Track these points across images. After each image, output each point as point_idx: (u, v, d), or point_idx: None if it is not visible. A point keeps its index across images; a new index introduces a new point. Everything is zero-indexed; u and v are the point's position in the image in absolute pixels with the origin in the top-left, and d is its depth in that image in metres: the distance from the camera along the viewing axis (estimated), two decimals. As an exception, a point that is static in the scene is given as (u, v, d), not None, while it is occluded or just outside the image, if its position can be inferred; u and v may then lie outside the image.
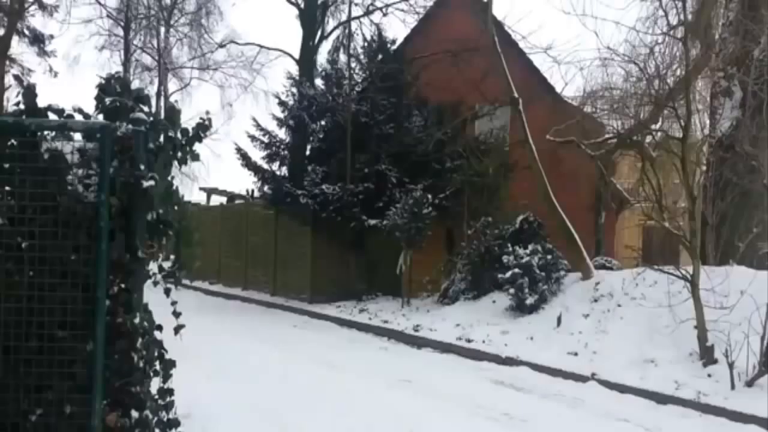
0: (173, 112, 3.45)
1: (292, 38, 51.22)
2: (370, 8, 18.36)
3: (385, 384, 7.87)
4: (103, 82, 3.33)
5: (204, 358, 7.71)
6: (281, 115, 16.52)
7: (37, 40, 24.08)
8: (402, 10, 18.36)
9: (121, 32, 29.05)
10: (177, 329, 3.46)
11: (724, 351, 7.60)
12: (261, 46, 23.29)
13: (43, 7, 23.79)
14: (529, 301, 11.09)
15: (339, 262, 15.46)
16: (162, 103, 27.16)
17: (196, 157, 3.54)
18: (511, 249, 11.87)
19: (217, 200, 24.16)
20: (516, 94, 13.13)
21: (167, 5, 29.10)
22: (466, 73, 14.68)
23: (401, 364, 9.45)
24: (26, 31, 23.98)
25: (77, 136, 3.20)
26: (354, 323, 13.01)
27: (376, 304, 14.62)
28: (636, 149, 13.24)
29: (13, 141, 3.09)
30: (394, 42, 16.95)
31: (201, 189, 25.69)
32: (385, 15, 18.48)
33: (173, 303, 3.43)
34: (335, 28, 18.99)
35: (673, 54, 11.84)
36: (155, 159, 3.26)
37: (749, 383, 7.37)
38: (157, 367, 3.37)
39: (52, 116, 3.18)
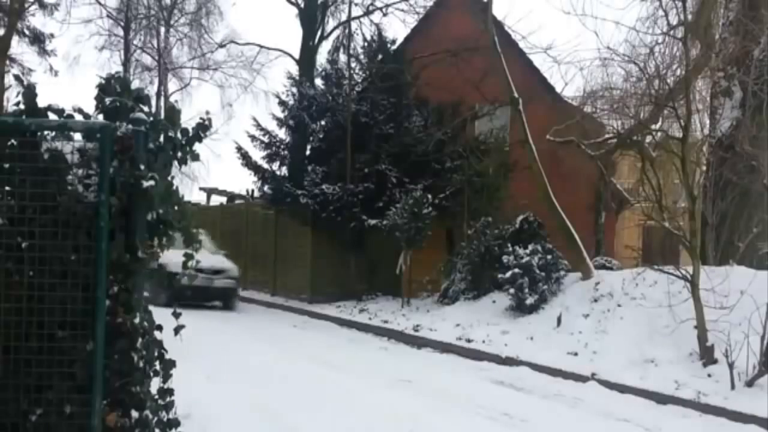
0: (173, 112, 3.45)
1: (292, 38, 51.27)
2: (370, 8, 18.41)
3: (385, 384, 7.87)
4: (103, 82, 3.33)
5: (204, 358, 7.71)
6: (281, 115, 16.54)
7: (38, 39, 24.09)
8: (402, 10, 18.41)
9: (121, 32, 29.01)
10: (177, 329, 3.46)
11: (724, 351, 7.60)
12: (261, 46, 23.31)
13: (43, 6, 23.79)
14: (529, 301, 11.09)
15: (339, 262, 15.46)
16: (162, 103, 27.11)
17: (196, 157, 3.53)
18: (511, 249, 11.87)
19: (217, 200, 24.17)
20: (516, 94, 13.13)
21: (167, 5, 29.05)
22: (466, 73, 14.69)
23: (401, 364, 9.45)
24: (26, 31, 23.99)
25: (77, 136, 3.20)
26: (354, 323, 13.01)
27: (376, 304, 14.62)
28: (636, 149, 13.25)
29: (13, 141, 3.09)
30: (394, 42, 16.97)
31: (201, 189, 25.71)
32: (385, 15, 18.54)
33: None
34: (335, 28, 19.05)
35: (673, 54, 11.86)
36: (155, 159, 3.26)
37: (749, 383, 7.37)
38: (157, 367, 3.37)
39: (52, 116, 3.18)
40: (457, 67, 14.74)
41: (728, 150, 11.56)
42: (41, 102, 3.20)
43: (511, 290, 11.31)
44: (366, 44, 17.28)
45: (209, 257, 13.89)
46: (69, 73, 35.15)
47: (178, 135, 3.42)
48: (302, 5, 18.26)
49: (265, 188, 16.25)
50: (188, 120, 3.56)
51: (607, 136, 14.70)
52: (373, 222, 14.64)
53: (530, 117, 13.18)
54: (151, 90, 27.94)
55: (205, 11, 29.19)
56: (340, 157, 15.35)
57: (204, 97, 56.92)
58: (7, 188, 3.08)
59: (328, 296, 15.21)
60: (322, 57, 18.43)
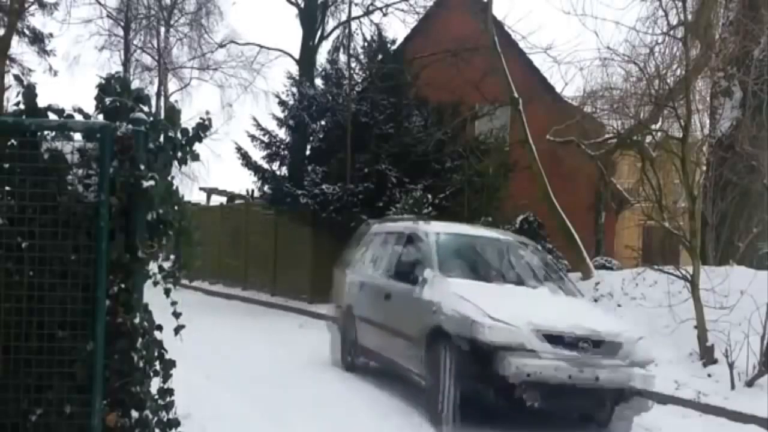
0: (173, 112, 3.45)
1: (292, 38, 51.25)
2: (370, 8, 18.37)
3: (385, 384, 7.86)
4: (103, 82, 3.33)
5: (204, 358, 7.70)
6: (281, 115, 16.52)
7: (37, 39, 24.13)
8: (402, 10, 18.37)
9: (121, 32, 29.07)
10: (177, 329, 3.46)
11: (724, 351, 7.60)
12: (261, 46, 23.28)
13: (42, 6, 23.82)
14: (529, 301, 11.03)
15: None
16: (162, 103, 27.15)
17: (196, 157, 3.54)
18: (511, 249, 11.82)
19: (217, 200, 24.16)
20: (516, 94, 13.14)
21: (167, 5, 29.09)
22: (466, 73, 14.69)
23: (401, 364, 9.41)
24: (26, 31, 24.02)
25: (77, 136, 3.20)
26: (354, 323, 12.98)
27: (376, 304, 14.60)
28: (636, 149, 13.27)
29: (13, 141, 3.10)
30: (394, 42, 16.96)
31: (201, 189, 25.71)
32: (385, 15, 18.50)
33: (173, 303, 3.43)
34: (335, 28, 19.02)
35: (673, 54, 11.87)
36: (155, 159, 3.27)
37: (749, 383, 7.37)
38: (157, 367, 3.37)
39: (52, 116, 3.18)
40: (457, 67, 14.73)
41: (728, 150, 11.57)
42: (41, 102, 3.21)
43: (511, 290, 11.25)
44: (366, 44, 17.27)
45: (561, 305, 6.55)
46: (69, 73, 35.18)
47: (178, 135, 3.42)
48: (302, 5, 18.24)
49: (265, 188, 16.24)
50: (188, 120, 3.57)
51: (607, 136, 14.71)
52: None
53: (530, 117, 13.18)
54: (151, 90, 28.01)
55: (205, 11, 29.25)
56: (340, 157, 15.33)
57: (204, 97, 56.83)
58: (7, 188, 3.08)
59: (328, 296, 15.17)
60: (322, 57, 18.43)
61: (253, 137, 16.28)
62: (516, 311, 5.74)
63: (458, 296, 6.00)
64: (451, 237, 7.54)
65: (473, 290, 6.20)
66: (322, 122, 16.29)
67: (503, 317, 5.58)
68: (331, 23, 19.10)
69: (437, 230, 7.57)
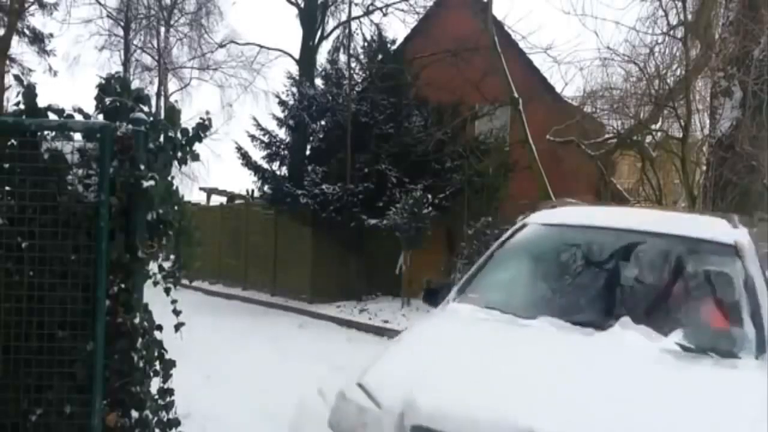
0: (173, 112, 3.46)
1: (292, 38, 51.30)
2: (370, 8, 18.41)
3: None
4: (103, 82, 3.34)
5: (204, 358, 7.71)
6: (281, 115, 16.52)
7: (37, 39, 24.16)
8: (402, 10, 18.42)
9: (121, 32, 29.10)
10: (177, 327, 3.47)
11: (724, 351, 7.59)
12: (261, 46, 23.34)
13: (42, 6, 23.85)
14: (530, 301, 10.99)
15: (339, 262, 15.46)
16: (162, 103, 27.19)
17: (196, 157, 3.54)
18: (511, 249, 11.80)
19: (217, 200, 24.17)
20: (516, 94, 13.14)
21: (167, 5, 29.13)
22: (466, 73, 14.69)
23: (401, 364, 9.43)
24: (26, 31, 24.05)
25: (77, 136, 3.20)
26: (354, 323, 13.00)
27: (376, 304, 14.62)
28: (636, 149, 13.27)
29: (13, 141, 3.10)
30: (394, 42, 16.97)
31: (201, 189, 25.72)
32: (385, 15, 18.54)
33: (173, 301, 3.44)
34: (335, 28, 19.05)
35: (673, 54, 11.87)
36: (155, 159, 3.27)
37: (749, 383, 7.35)
38: (157, 367, 3.38)
39: (52, 116, 3.19)
40: (457, 67, 14.74)
41: (728, 150, 11.56)
42: (41, 102, 3.22)
43: (511, 290, 11.20)
44: (366, 44, 17.28)
45: (623, 379, 2.90)
46: (69, 73, 35.38)
47: (178, 135, 3.43)
48: (302, 5, 18.25)
49: (265, 188, 16.24)
50: (188, 120, 3.58)
51: (607, 136, 14.71)
52: (373, 222, 14.63)
53: (530, 117, 13.19)
54: (151, 90, 28.05)
55: (205, 11, 29.32)
56: (340, 157, 15.33)
57: (204, 97, 56.85)
58: (7, 188, 3.08)
59: (328, 296, 15.20)
60: (322, 57, 18.46)
61: (253, 137, 16.29)
62: (426, 378, 2.94)
63: (400, 339, 3.73)
64: (549, 233, 4.63)
65: (450, 330, 3.61)
66: (322, 122, 16.30)
67: (380, 387, 3.04)
68: (331, 23, 19.15)
69: (531, 221, 4.93)
